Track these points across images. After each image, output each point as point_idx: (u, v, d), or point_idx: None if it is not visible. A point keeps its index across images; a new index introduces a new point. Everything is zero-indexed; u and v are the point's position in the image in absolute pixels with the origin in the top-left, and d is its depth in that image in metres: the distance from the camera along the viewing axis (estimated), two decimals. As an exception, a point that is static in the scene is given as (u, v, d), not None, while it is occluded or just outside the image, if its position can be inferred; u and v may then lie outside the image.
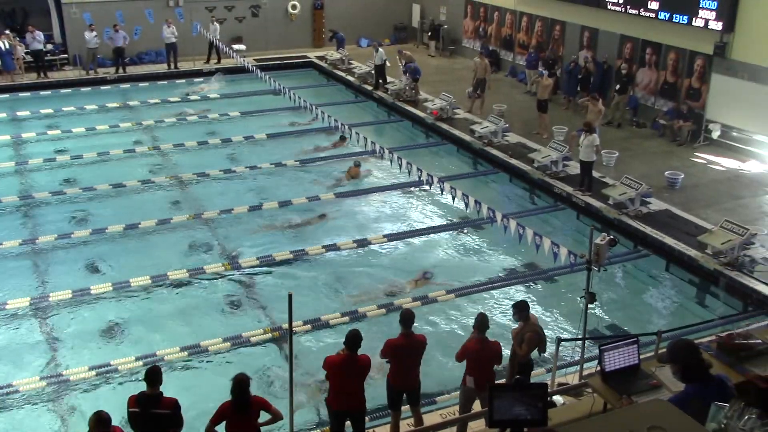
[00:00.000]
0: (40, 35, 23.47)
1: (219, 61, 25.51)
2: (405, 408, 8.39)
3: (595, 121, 16.41)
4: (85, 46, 23.77)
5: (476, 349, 8.01)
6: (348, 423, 7.96)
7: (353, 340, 7.50)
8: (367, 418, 8.72)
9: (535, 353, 8.65)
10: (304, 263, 13.09)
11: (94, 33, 23.53)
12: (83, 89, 23.36)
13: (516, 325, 8.65)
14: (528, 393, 5.05)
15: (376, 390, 8.68)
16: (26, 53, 23.60)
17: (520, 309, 8.43)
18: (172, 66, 24.73)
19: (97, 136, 19.47)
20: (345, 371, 7.56)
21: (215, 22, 25.37)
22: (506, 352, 8.62)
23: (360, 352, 7.61)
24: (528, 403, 4.94)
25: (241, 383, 6.74)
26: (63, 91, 23.17)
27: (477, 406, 8.23)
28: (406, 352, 7.96)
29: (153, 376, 6.78)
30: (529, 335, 8.28)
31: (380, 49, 22.40)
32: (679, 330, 9.74)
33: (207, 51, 25.39)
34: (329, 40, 27.57)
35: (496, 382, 8.28)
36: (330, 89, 24.57)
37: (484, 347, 8.01)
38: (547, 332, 8.86)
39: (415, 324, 8.12)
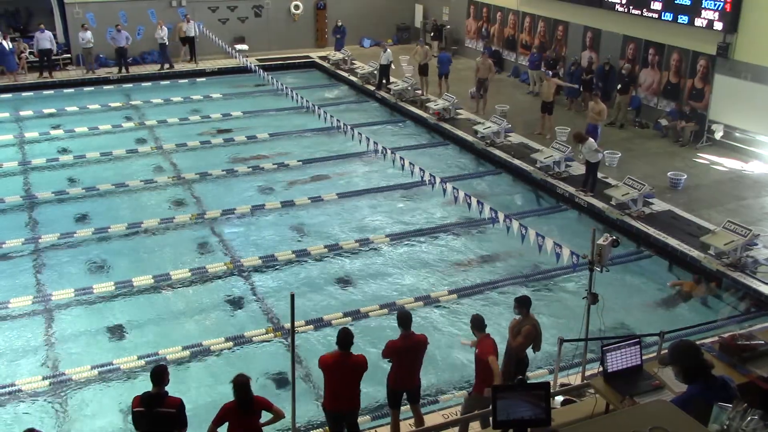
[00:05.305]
0: (48, 34, 23.39)
1: (163, 67, 24.74)
2: (405, 408, 8.36)
3: (597, 121, 16.37)
4: (80, 46, 23.78)
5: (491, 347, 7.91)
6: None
7: (344, 339, 7.42)
8: (368, 417, 8.74)
9: (529, 352, 8.59)
10: (305, 263, 13.11)
11: (89, 33, 23.47)
12: (86, 89, 23.38)
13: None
14: (531, 393, 5.03)
15: (375, 390, 8.67)
16: (30, 53, 23.65)
17: (521, 304, 8.37)
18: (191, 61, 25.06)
19: (100, 135, 19.47)
20: (338, 371, 7.49)
21: (163, 27, 24.41)
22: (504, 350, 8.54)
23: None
24: (531, 402, 4.93)
25: (242, 385, 6.70)
26: (66, 90, 23.20)
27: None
28: (407, 352, 7.92)
29: (159, 375, 6.77)
30: (527, 328, 8.22)
31: (388, 50, 22.39)
32: (682, 330, 9.73)
33: (192, 52, 25.24)
34: (333, 33, 27.12)
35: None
36: (332, 89, 24.55)
37: (483, 343, 7.95)
38: (549, 333, 8.84)
39: (415, 324, 8.09)
